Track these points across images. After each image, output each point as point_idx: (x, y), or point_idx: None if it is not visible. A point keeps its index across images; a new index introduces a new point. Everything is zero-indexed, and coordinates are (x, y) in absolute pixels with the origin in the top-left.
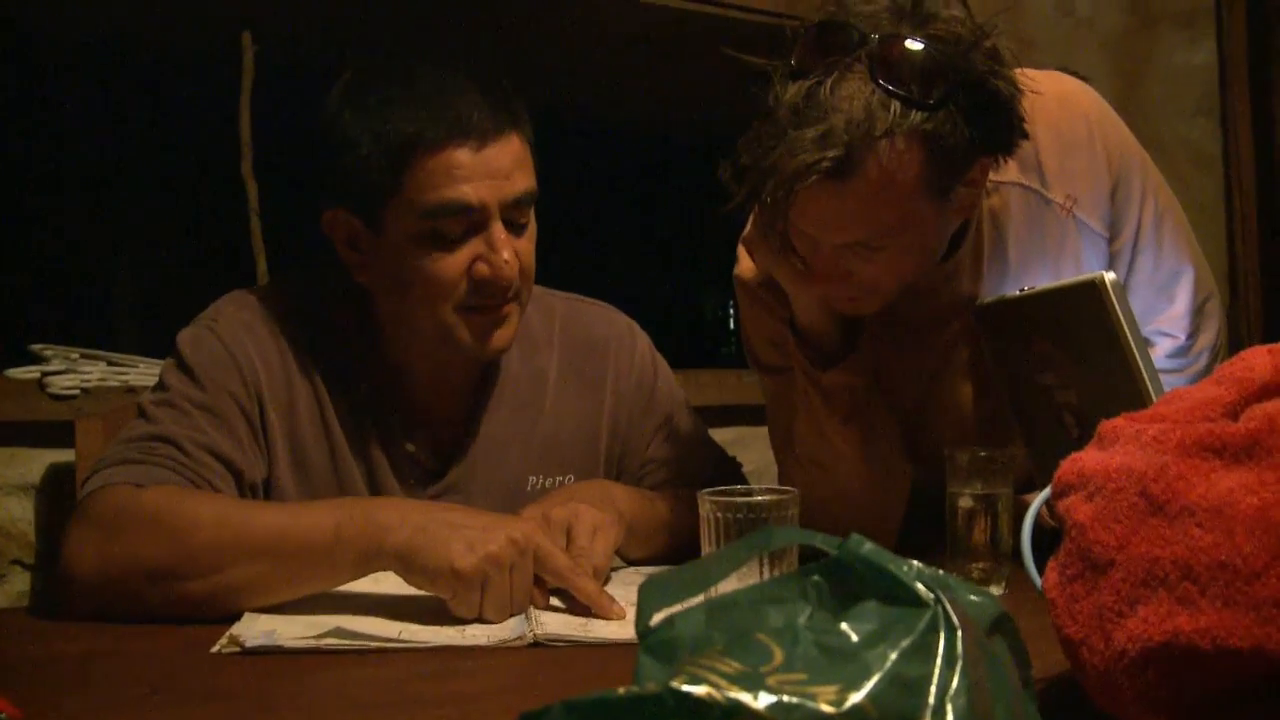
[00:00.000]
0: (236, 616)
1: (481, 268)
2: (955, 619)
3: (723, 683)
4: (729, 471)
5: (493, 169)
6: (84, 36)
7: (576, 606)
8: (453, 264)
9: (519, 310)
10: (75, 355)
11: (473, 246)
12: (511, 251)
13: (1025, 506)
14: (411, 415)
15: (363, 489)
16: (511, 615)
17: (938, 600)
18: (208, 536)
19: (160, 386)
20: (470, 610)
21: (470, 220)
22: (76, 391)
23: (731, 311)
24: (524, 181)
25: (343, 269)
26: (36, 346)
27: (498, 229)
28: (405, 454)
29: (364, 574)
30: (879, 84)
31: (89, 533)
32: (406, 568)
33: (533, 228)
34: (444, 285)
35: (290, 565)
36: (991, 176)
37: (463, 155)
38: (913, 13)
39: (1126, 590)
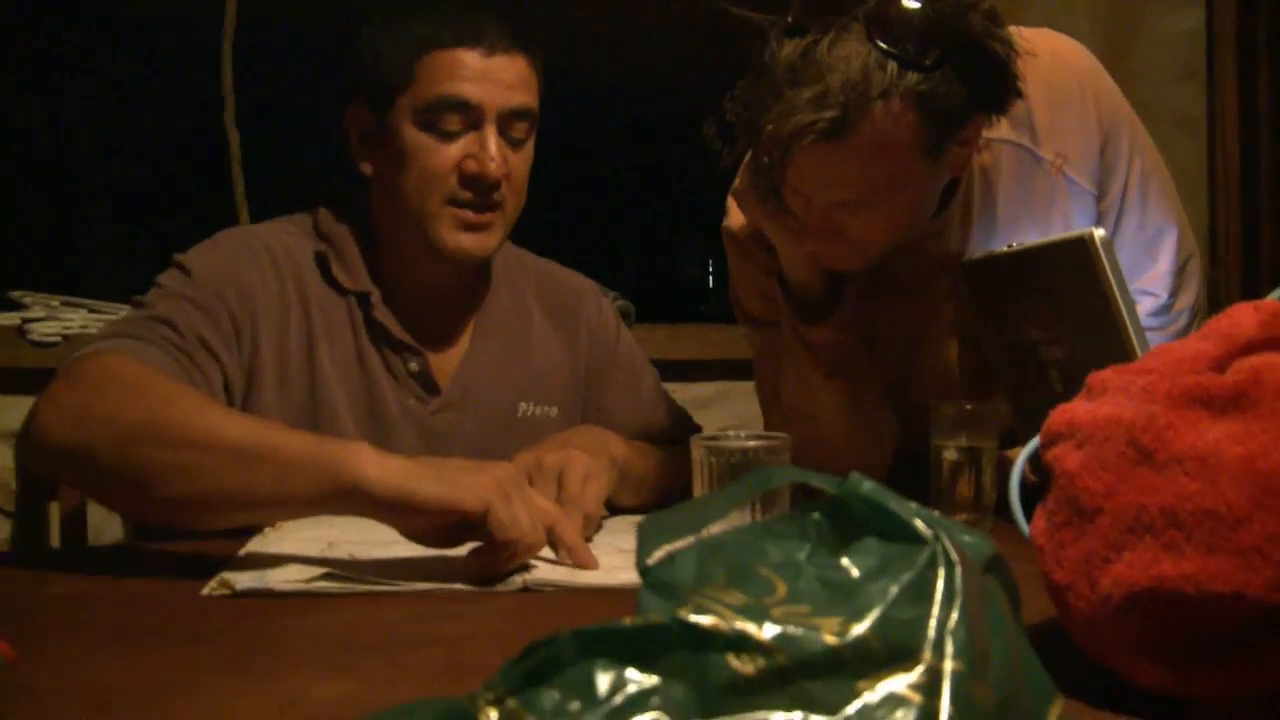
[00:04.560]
0: (224, 564)
1: (470, 163)
2: (954, 555)
3: (728, 613)
4: (688, 431)
5: (496, 77)
6: None
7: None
8: (445, 155)
9: (502, 223)
10: (56, 302)
11: (466, 143)
12: (502, 155)
13: (1009, 461)
14: (406, 336)
15: (346, 413)
16: (538, 542)
17: (937, 537)
18: (189, 412)
19: (154, 285)
20: (510, 524)
21: (468, 118)
22: (58, 338)
23: (710, 269)
24: (524, 97)
25: (332, 204)
26: (16, 293)
27: (491, 130)
28: (406, 371)
29: (334, 512)
30: (876, 44)
31: (72, 390)
32: (404, 509)
33: (529, 150)
34: (435, 174)
35: (262, 469)
36: (983, 133)
37: (470, 58)
38: None
39: (1113, 537)
